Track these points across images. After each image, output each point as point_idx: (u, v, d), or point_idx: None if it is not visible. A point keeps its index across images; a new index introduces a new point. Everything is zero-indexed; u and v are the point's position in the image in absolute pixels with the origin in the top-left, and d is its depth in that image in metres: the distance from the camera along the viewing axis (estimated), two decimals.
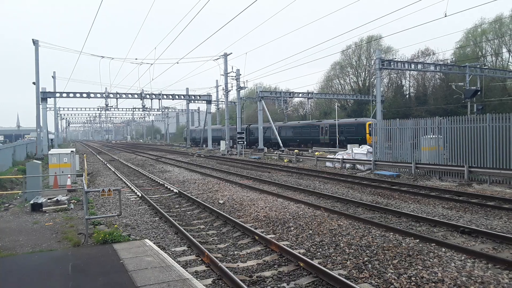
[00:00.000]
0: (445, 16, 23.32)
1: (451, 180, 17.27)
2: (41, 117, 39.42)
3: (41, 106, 39.49)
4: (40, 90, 39.29)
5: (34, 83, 37.85)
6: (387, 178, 18.60)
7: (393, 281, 6.24)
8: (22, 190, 15.55)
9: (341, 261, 7.28)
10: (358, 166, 23.05)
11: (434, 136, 19.28)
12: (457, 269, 6.67)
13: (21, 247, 8.32)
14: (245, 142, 40.82)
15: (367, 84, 64.83)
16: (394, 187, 16.08)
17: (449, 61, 48.25)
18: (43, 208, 12.48)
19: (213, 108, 65.19)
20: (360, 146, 27.43)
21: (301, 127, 49.05)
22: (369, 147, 24.69)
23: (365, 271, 6.74)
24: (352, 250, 7.81)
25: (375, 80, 39.92)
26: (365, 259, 7.29)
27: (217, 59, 46.25)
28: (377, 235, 8.82)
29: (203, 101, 55.79)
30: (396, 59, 43.53)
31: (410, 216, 10.72)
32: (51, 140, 58.74)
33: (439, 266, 6.84)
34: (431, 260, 7.15)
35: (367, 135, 37.81)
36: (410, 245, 8.02)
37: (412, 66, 41.76)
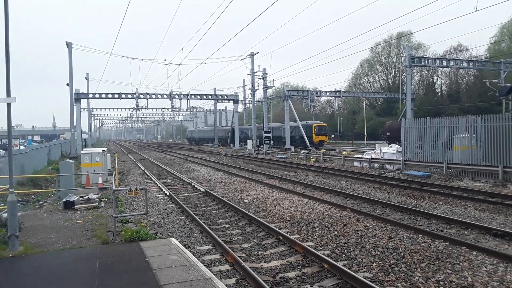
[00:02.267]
0: (476, 10, 22.43)
1: (485, 181, 16.63)
2: (75, 117, 40.75)
3: (75, 106, 40.80)
4: (74, 91, 40.62)
5: (68, 84, 39.15)
6: (417, 179, 18.11)
7: (420, 285, 6.07)
8: (56, 188, 16.13)
9: (367, 264, 7.14)
10: (387, 166, 22.56)
11: (467, 135, 18.62)
12: (488, 273, 6.41)
13: (53, 244, 8.63)
14: (271, 142, 40.79)
15: (397, 82, 63.40)
16: (424, 187, 15.64)
17: (483, 57, 46.55)
18: (75, 206, 12.89)
19: (240, 108, 65.47)
20: (390, 146, 26.84)
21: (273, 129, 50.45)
22: (399, 146, 24.11)
23: (392, 274, 6.59)
24: (379, 252, 7.65)
25: (405, 78, 39.00)
26: (392, 261, 7.12)
27: (244, 58, 46.42)
28: (405, 237, 8.60)
29: (230, 101, 56.11)
30: (427, 56, 42.40)
31: (440, 218, 10.39)
32: (85, 139, 60.62)
33: (469, 270, 6.59)
34: (461, 264, 6.90)
35: (313, 135, 46.92)
36: (439, 248, 7.77)
37: (444, 62, 40.47)
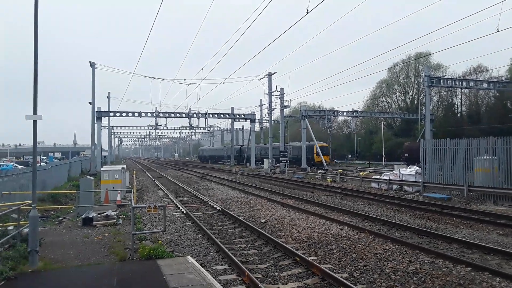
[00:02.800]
0: (497, 31, 22.28)
1: (507, 205, 16.17)
2: (96, 135, 41.63)
3: (96, 124, 41.75)
4: (96, 110, 41.61)
5: (90, 103, 40.17)
6: (437, 201, 17.74)
7: None
8: (75, 204, 16.40)
9: None
10: (406, 188, 22.20)
11: (488, 157, 18.23)
12: None
13: (71, 260, 8.73)
14: (288, 161, 40.72)
15: (415, 102, 62.88)
16: (444, 210, 15.30)
17: (503, 78, 45.82)
18: (94, 223, 13.05)
19: (257, 127, 65.81)
20: (408, 167, 26.45)
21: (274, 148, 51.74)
22: (418, 167, 23.74)
23: None
24: (398, 277, 7.48)
25: (424, 98, 38.68)
26: (412, 286, 6.96)
27: (262, 78, 46.97)
28: (425, 261, 8.40)
29: (247, 120, 56.50)
30: (446, 76, 42.04)
31: (461, 242, 10.13)
32: (105, 157, 61.68)
33: None
34: None
35: (315, 155, 48.00)
36: (461, 273, 7.56)
37: (464, 83, 40.13)
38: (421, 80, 56.03)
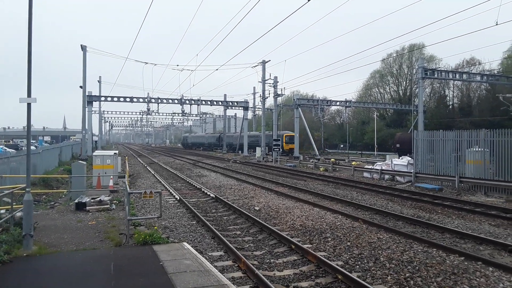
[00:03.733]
0: (497, 24, 22.29)
1: (498, 196, 16.41)
2: (87, 120, 41.15)
3: (87, 109, 41.24)
4: (87, 94, 41.05)
5: (81, 87, 39.58)
6: (429, 192, 17.94)
7: None
8: (68, 189, 16.27)
9: (381, 276, 7.07)
10: (398, 178, 22.40)
11: (480, 149, 18.43)
12: None
13: (66, 245, 8.67)
14: (281, 149, 40.77)
15: (408, 94, 63.11)
16: (436, 201, 15.48)
17: (496, 72, 46.11)
18: (87, 208, 12.97)
19: (249, 115, 65.56)
20: (401, 157, 26.65)
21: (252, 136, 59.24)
22: (410, 158, 23.93)
23: (407, 287, 6.51)
24: (393, 265, 7.57)
25: (417, 90, 38.86)
26: (407, 275, 7.05)
27: (255, 66, 46.64)
28: (419, 250, 8.51)
29: (240, 108, 56.28)
30: (440, 68, 42.16)
31: (454, 232, 10.27)
32: (95, 142, 61.10)
33: (486, 286, 6.51)
34: (477, 279, 6.82)
35: (284, 143, 50.08)
36: (455, 262, 7.68)
37: (457, 75, 40.27)
38: (414, 71, 56.21)
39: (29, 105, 8.55)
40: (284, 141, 51.33)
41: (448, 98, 60.85)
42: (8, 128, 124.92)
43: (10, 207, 9.91)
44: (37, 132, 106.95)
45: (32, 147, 34.26)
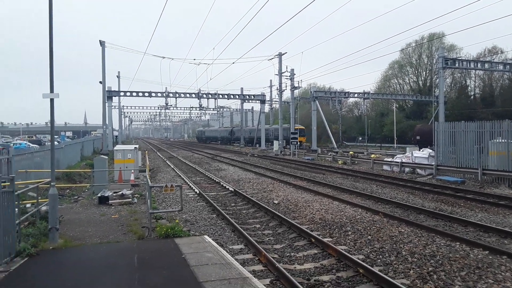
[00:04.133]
0: None
1: None
2: (107, 115, 41.78)
3: (106, 104, 41.84)
4: (106, 89, 41.63)
5: (100, 82, 40.16)
6: (450, 184, 17.61)
7: None
8: (90, 183, 16.61)
9: (403, 270, 7.01)
10: (419, 171, 22.05)
11: (503, 140, 17.96)
12: None
13: (90, 238, 8.89)
14: (298, 143, 40.64)
15: (428, 84, 61.90)
16: (458, 194, 15.20)
17: None
18: (109, 201, 13.23)
19: (266, 108, 65.58)
20: (421, 149, 26.21)
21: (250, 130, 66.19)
22: (431, 150, 23.52)
23: (430, 282, 6.44)
24: (415, 259, 7.49)
25: (437, 80, 38.08)
26: (430, 269, 6.96)
27: (272, 58, 46.40)
28: (442, 244, 8.39)
29: (257, 101, 56.20)
30: (460, 58, 41.17)
31: (477, 226, 10.08)
32: (116, 136, 62.12)
33: (511, 280, 6.37)
34: (502, 273, 6.68)
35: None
36: (479, 256, 7.54)
37: (479, 65, 39.32)
38: (434, 61, 54.98)
39: (52, 100, 8.73)
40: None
41: (470, 88, 59.44)
42: (31, 124, 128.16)
43: (35, 201, 10.19)
44: (59, 128, 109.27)
45: (55, 142, 35.15)
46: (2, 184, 7.40)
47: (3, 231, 6.80)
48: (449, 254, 7.70)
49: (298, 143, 51.21)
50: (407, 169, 22.94)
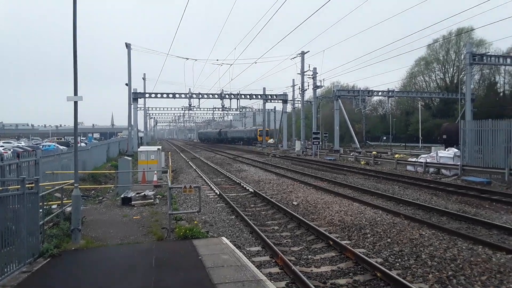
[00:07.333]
0: None
1: None
2: (132, 116, 42.64)
3: (132, 106, 42.70)
4: (132, 91, 42.47)
5: (126, 84, 41.00)
6: (476, 185, 17.12)
7: None
8: (114, 184, 17.02)
9: (422, 274, 6.88)
10: (443, 171, 21.51)
11: None
12: None
13: (112, 239, 9.12)
14: (320, 143, 40.33)
15: (455, 81, 60.17)
16: (484, 195, 14.76)
17: None
18: (132, 202, 13.53)
19: (289, 108, 65.33)
20: (447, 149, 25.56)
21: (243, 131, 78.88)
22: (457, 150, 22.89)
23: (449, 286, 6.31)
24: (435, 263, 7.34)
25: (465, 77, 36.98)
26: (450, 273, 6.81)
27: (294, 57, 46.20)
28: (463, 247, 8.18)
29: (279, 101, 56.09)
30: (489, 53, 39.85)
31: (502, 229, 9.77)
32: (141, 138, 63.33)
33: None
34: None
35: (257, 136, 67.75)
36: (502, 260, 7.32)
37: (508, 60, 37.93)
38: (462, 57, 53.44)
39: (75, 103, 8.98)
40: (257, 134, 64.04)
41: (499, 85, 57.44)
42: (60, 126, 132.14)
43: (60, 202, 10.53)
44: (87, 130, 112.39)
45: (82, 144, 36.20)
46: (27, 185, 7.69)
47: (27, 232, 7.08)
48: (470, 257, 7.51)
49: (262, 140, 59.51)
50: (431, 170, 22.42)
